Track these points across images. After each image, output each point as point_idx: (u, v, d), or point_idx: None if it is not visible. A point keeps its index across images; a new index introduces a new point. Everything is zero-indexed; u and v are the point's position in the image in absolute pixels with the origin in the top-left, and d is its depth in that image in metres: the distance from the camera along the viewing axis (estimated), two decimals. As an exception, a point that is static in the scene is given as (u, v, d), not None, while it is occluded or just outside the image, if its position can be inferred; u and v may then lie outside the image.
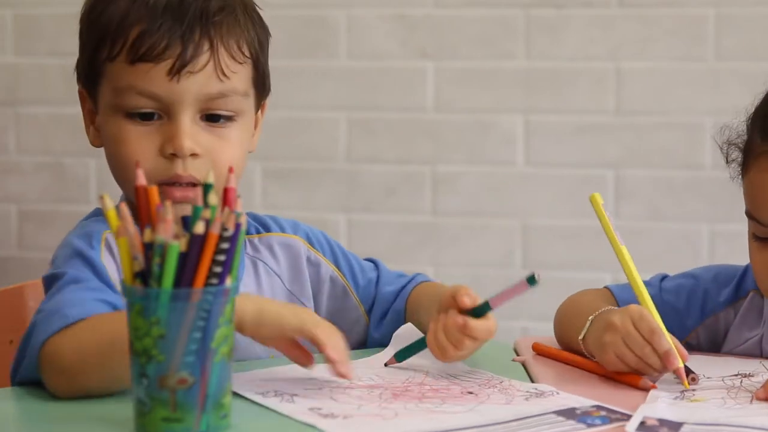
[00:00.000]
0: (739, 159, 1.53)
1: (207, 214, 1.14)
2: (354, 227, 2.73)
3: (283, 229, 1.59)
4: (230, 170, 1.19)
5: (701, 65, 2.63)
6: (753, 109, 1.53)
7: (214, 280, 1.14)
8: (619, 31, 2.65)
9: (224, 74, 1.43)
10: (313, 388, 1.31)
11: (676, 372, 1.35)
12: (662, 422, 1.20)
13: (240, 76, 1.46)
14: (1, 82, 2.86)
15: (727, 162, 1.54)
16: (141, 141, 1.42)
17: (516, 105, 2.70)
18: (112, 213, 1.15)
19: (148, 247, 1.13)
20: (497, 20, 2.69)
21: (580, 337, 1.46)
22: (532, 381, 1.41)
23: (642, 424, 1.19)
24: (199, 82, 1.42)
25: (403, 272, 1.64)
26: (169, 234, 1.12)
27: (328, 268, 1.59)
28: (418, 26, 2.72)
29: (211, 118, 1.44)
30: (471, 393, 1.30)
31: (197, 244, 1.13)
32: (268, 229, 1.58)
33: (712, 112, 2.60)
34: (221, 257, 1.14)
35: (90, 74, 1.47)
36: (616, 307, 1.48)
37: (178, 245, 1.12)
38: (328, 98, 2.76)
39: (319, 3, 2.75)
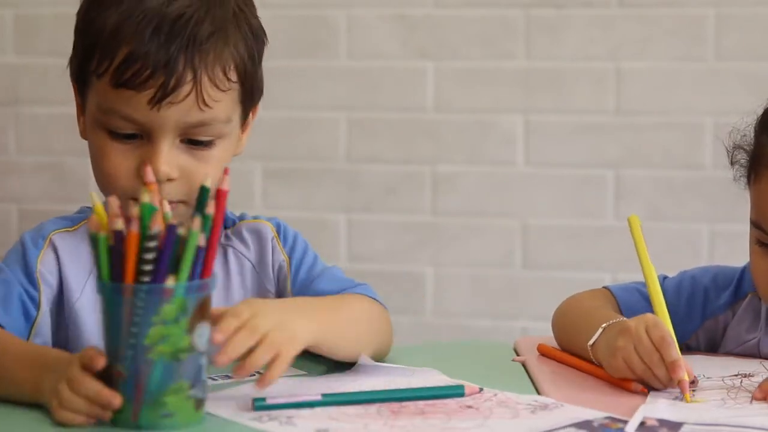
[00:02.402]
0: (744, 161, 1.50)
1: (136, 212, 1.19)
2: (354, 227, 2.73)
3: (255, 218, 1.61)
4: (225, 171, 1.24)
5: (701, 65, 2.63)
6: (762, 113, 1.49)
7: (146, 278, 1.19)
8: (619, 31, 2.65)
9: (206, 104, 1.44)
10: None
11: (679, 384, 1.32)
12: (662, 422, 1.20)
13: (223, 105, 1.46)
14: (1, 82, 2.86)
15: (732, 163, 1.51)
16: (120, 158, 1.46)
17: (516, 105, 2.70)
18: (99, 207, 1.22)
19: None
20: (497, 20, 2.69)
21: (590, 343, 1.43)
22: (532, 381, 1.41)
23: (642, 424, 1.20)
24: (179, 112, 1.44)
25: (354, 281, 1.58)
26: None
27: (279, 255, 1.59)
28: (418, 26, 2.72)
29: (191, 142, 1.47)
30: (470, 407, 1.27)
31: (120, 240, 1.19)
32: (242, 219, 1.61)
33: (712, 112, 2.60)
34: (149, 255, 1.19)
35: (80, 78, 1.50)
36: (628, 318, 1.43)
37: (106, 237, 1.19)
38: (328, 98, 2.76)
39: (319, 3, 2.75)
